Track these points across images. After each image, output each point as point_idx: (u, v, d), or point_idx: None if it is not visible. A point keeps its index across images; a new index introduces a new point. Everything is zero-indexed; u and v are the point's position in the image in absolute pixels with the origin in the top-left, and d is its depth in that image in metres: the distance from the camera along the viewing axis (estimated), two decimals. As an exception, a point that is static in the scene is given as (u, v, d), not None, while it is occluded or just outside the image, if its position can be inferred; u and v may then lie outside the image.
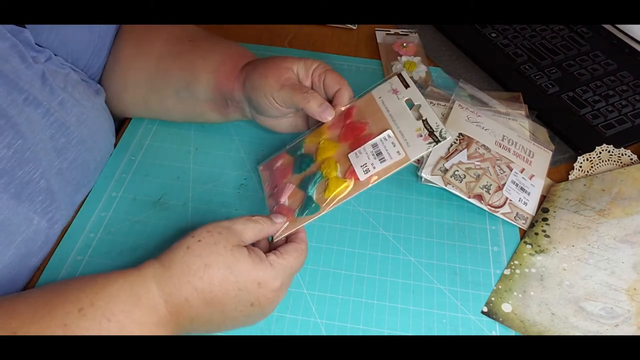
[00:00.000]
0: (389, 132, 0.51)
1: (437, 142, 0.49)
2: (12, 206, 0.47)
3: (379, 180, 0.49)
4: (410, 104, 0.52)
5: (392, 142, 0.50)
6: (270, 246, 0.48)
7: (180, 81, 0.60)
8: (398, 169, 0.49)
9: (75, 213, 0.56)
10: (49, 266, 0.52)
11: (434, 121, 0.50)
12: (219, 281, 0.41)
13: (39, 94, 0.49)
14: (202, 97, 0.60)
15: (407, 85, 0.53)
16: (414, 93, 0.53)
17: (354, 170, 0.50)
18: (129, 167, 0.61)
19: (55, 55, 0.53)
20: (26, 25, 0.49)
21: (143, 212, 0.57)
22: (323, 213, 0.49)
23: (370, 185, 0.49)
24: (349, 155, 0.51)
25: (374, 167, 0.49)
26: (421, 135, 0.50)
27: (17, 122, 0.46)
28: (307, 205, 0.50)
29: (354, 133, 0.53)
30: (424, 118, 0.50)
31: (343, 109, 0.55)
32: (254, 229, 0.45)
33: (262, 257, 0.43)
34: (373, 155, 0.50)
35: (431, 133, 0.49)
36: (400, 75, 0.55)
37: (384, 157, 0.50)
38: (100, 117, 0.58)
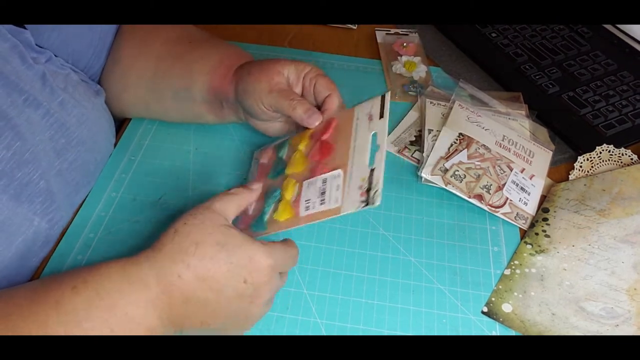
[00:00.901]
0: (339, 171, 0.47)
1: (367, 204, 0.43)
2: (12, 207, 0.47)
3: (309, 223, 0.46)
4: (375, 139, 0.47)
5: (337, 185, 0.46)
6: None
7: (178, 83, 0.60)
8: (328, 218, 0.45)
9: (75, 213, 0.56)
10: (49, 266, 0.52)
11: (378, 177, 0.44)
12: (211, 256, 0.41)
13: (39, 94, 0.49)
14: (199, 99, 0.60)
15: (382, 115, 0.48)
16: (382, 129, 0.47)
17: (299, 202, 0.48)
18: (129, 167, 0.61)
19: (55, 56, 0.53)
20: (27, 26, 0.49)
21: (143, 212, 0.57)
22: (267, 234, 0.48)
23: (302, 224, 0.46)
24: (303, 182, 0.49)
25: (313, 207, 0.46)
26: (361, 188, 0.44)
27: (17, 123, 0.46)
28: (258, 221, 0.49)
29: (321, 155, 0.50)
30: (373, 167, 0.45)
31: (324, 119, 0.53)
32: (233, 201, 0.46)
33: (253, 239, 0.43)
34: (319, 192, 0.47)
35: (368, 190, 0.44)
36: (383, 98, 0.49)
37: (324, 200, 0.46)
38: (100, 117, 0.58)
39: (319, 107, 0.54)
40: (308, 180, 0.49)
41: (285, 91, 0.54)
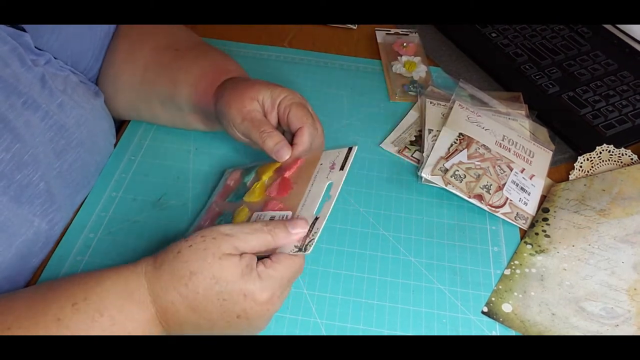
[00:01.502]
0: (289, 213, 0.46)
1: (300, 250, 0.43)
2: (12, 208, 0.47)
3: None
4: (329, 188, 0.47)
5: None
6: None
7: (165, 93, 0.60)
8: (263, 254, 0.44)
9: (75, 214, 0.56)
10: (49, 266, 0.52)
11: (318, 226, 0.44)
12: (203, 290, 0.40)
13: (38, 96, 0.49)
14: (185, 109, 0.60)
15: (343, 167, 0.48)
16: (339, 180, 0.47)
17: None
18: (129, 167, 0.61)
19: (55, 58, 0.53)
20: (26, 29, 0.49)
21: (143, 212, 0.57)
22: None
23: None
24: (254, 214, 0.48)
25: None
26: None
27: (16, 125, 0.46)
28: None
29: (278, 191, 0.50)
30: (318, 216, 0.45)
31: (293, 155, 0.52)
32: (258, 240, 0.43)
33: (252, 267, 0.41)
34: None
35: (306, 236, 0.44)
36: (350, 150, 0.49)
37: None
38: (99, 118, 0.58)
39: (294, 136, 0.52)
40: (259, 212, 0.48)
41: (257, 121, 0.52)
